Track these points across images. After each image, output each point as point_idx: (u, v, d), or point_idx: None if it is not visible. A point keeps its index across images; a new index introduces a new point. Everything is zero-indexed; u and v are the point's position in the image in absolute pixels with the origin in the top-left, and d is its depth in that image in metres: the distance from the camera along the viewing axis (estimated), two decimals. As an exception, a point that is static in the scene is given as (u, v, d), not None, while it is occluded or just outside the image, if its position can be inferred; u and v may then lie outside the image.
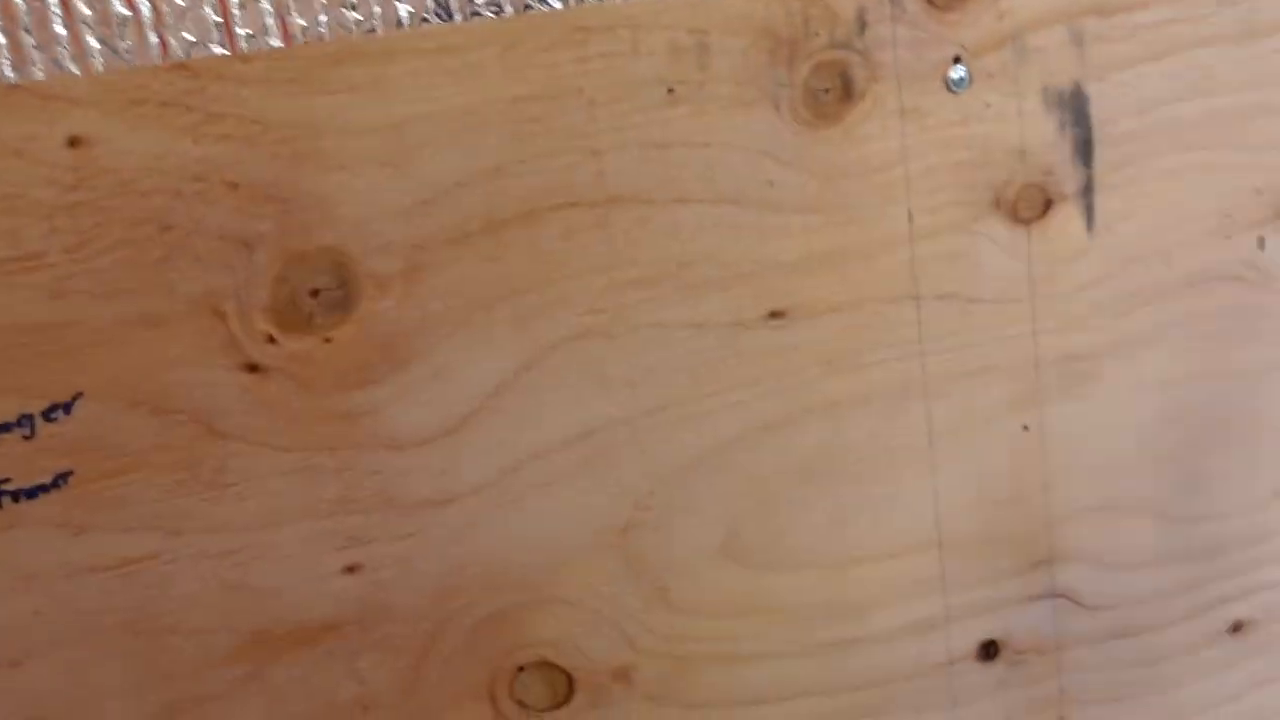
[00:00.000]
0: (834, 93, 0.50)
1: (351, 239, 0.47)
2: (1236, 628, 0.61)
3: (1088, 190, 0.53)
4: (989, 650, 0.58)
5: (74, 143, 0.43)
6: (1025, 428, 0.56)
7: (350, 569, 0.50)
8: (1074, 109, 0.52)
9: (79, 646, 0.47)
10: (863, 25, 0.50)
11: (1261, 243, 0.56)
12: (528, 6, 0.47)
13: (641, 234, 0.49)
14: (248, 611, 0.49)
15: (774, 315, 0.51)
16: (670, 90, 0.48)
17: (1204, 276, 0.56)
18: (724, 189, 0.50)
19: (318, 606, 0.50)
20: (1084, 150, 0.53)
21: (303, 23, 0.45)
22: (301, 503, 0.48)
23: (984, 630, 0.58)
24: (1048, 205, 0.53)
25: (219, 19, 0.44)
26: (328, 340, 0.47)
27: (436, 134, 0.46)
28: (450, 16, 0.46)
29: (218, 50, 0.45)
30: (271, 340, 0.47)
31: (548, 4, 0.47)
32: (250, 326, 0.46)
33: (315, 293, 0.47)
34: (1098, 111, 0.52)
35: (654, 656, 0.54)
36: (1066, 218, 0.53)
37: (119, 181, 0.44)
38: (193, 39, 0.44)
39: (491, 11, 0.46)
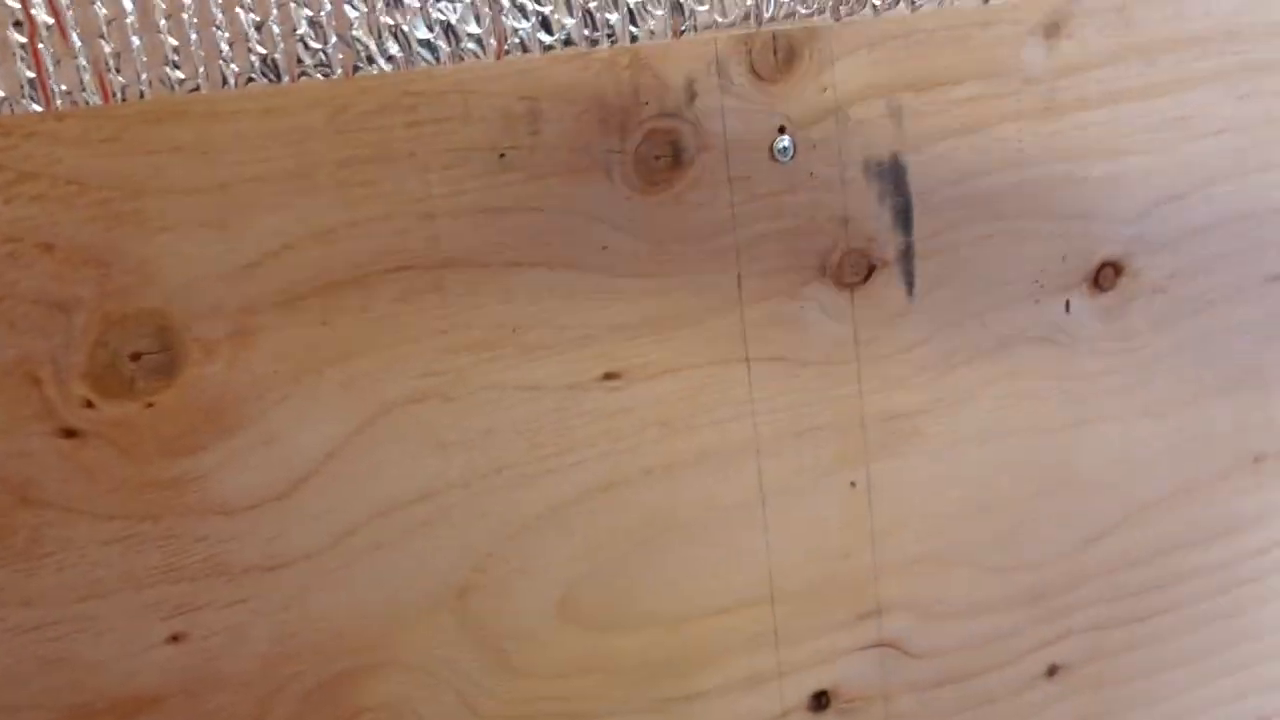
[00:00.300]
0: (665, 160, 0.48)
1: (176, 302, 0.42)
2: (1052, 671, 0.60)
3: (907, 256, 0.52)
4: (820, 700, 0.55)
5: (-126, 203, 0.39)
6: (852, 484, 0.54)
7: (175, 638, 0.45)
8: (893, 179, 0.51)
9: (-123, 729, 0.42)
10: (692, 95, 0.48)
11: (1068, 306, 0.55)
12: (357, 69, 0.43)
13: (477, 297, 0.46)
14: (67, 686, 0.44)
15: (609, 377, 0.49)
16: (502, 155, 0.46)
17: (1016, 338, 0.55)
18: (558, 253, 0.47)
19: (142, 678, 0.45)
20: (903, 218, 0.51)
21: (123, 80, 0.41)
22: (123, 571, 0.44)
23: (815, 681, 0.55)
24: (870, 270, 0.52)
25: (32, 74, 0.40)
26: (150, 405, 0.43)
27: (264, 195, 0.43)
28: (278, 77, 0.43)
29: (31, 107, 0.40)
30: (90, 405, 0.42)
31: (378, 67, 0.44)
32: (67, 392, 0.42)
33: (136, 356, 0.42)
34: (915, 181, 0.51)
35: (495, 719, 0.50)
36: (888, 282, 0.52)
37: (-77, 243, 0.39)
38: (2, 94, 0.40)
39: (321, 73, 0.43)
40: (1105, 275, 0.55)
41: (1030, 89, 0.52)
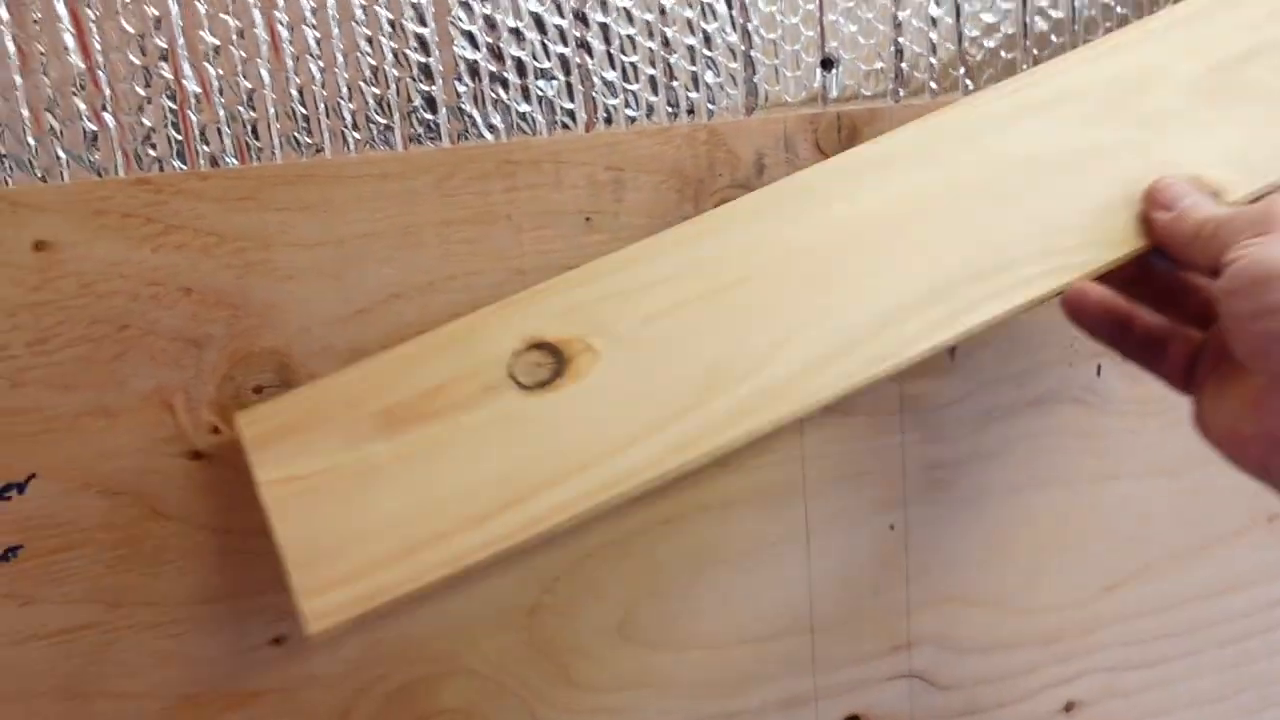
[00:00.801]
0: (734, 227, 0.51)
1: (295, 342, 0.46)
2: (1068, 707, 0.63)
3: (951, 322, 0.55)
4: (852, 724, 0.59)
5: (40, 247, 0.43)
6: (891, 527, 0.57)
7: (277, 641, 0.49)
8: (942, 252, 0.54)
9: (15, 706, 0.46)
10: (761, 168, 0.51)
11: (1099, 370, 0.58)
12: (462, 137, 0.47)
13: (558, 345, 0.50)
14: (178, 679, 0.48)
15: (673, 421, 0.52)
16: (588, 219, 0.49)
17: (1049, 399, 0.58)
18: (634, 308, 0.50)
19: (245, 674, 0.49)
20: (949, 287, 0.54)
21: (259, 144, 0.45)
22: (236, 580, 0.48)
23: (848, 706, 0.58)
24: (917, 333, 0.55)
25: (180, 138, 0.44)
26: (267, 433, 0.47)
27: (376, 250, 0.47)
28: (393, 145, 0.46)
29: (179, 166, 0.44)
30: (216, 431, 0.46)
31: (482, 137, 0.48)
32: (197, 418, 0.46)
33: (259, 389, 0.46)
34: (962, 255, 0.54)
35: (553, 725, 0.54)
36: (933, 344, 0.55)
37: (80, 284, 0.44)
38: (155, 155, 0.44)
39: (430, 141, 0.47)
40: (1134, 346, 0.58)
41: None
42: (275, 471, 0.43)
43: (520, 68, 0.48)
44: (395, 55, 0.46)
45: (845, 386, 0.45)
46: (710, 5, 0.50)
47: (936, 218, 0.47)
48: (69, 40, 0.43)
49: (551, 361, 0.45)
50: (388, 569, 0.43)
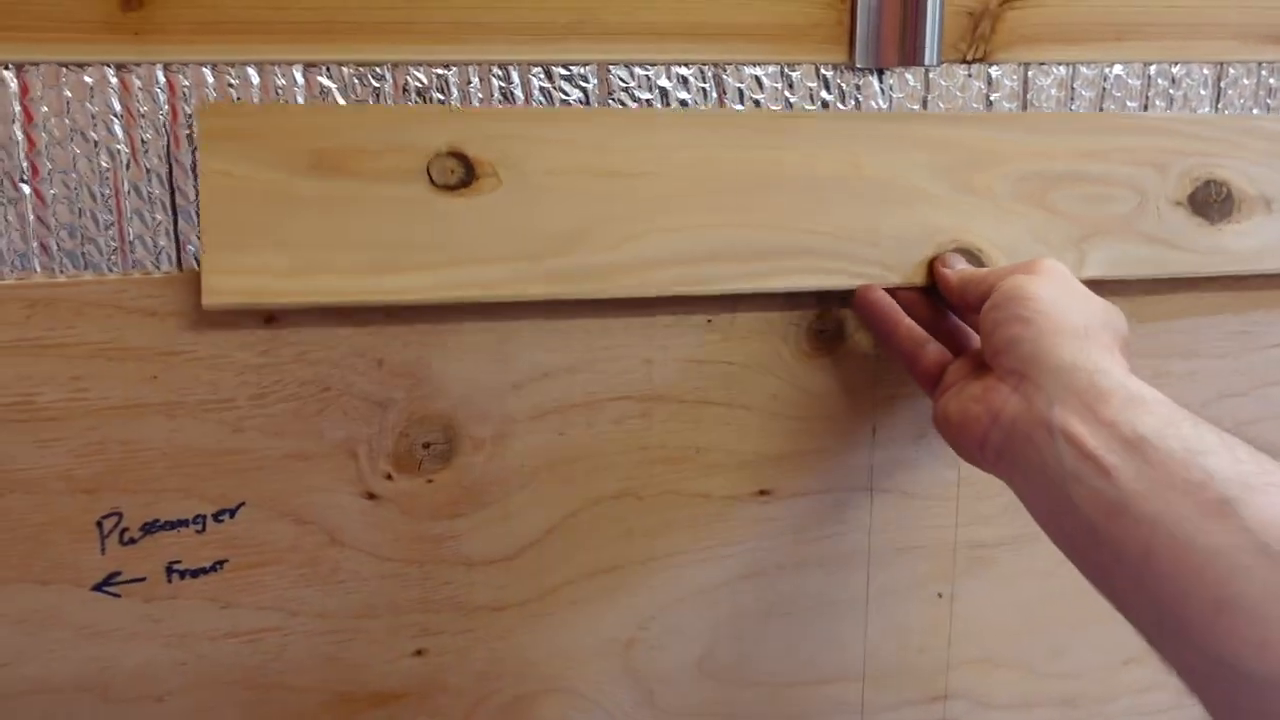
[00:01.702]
0: (829, 334, 0.64)
1: (460, 409, 0.59)
2: (1080, 764, 0.76)
3: (1008, 426, 0.67)
4: (891, 762, 0.72)
5: (269, 321, 0.56)
6: (939, 595, 0.69)
7: (419, 653, 0.62)
8: (1005, 368, 0.66)
9: (209, 692, 0.59)
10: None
11: (1133, 472, 0.70)
12: (616, 257, 0.60)
13: (673, 425, 0.63)
14: (338, 678, 0.61)
15: (762, 493, 0.65)
16: (709, 320, 0.62)
17: (1087, 495, 0.70)
18: (738, 396, 0.63)
19: (391, 679, 0.62)
20: (1009, 396, 0.67)
21: (447, 247, 0.58)
22: (390, 599, 0.61)
23: (889, 746, 0.71)
24: (977, 431, 0.67)
25: (386, 239, 0.57)
26: (430, 481, 0.60)
27: (531, 341, 0.59)
28: (557, 255, 0.59)
29: (382, 262, 0.57)
30: (389, 477, 0.59)
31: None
32: (375, 466, 0.59)
33: (427, 445, 0.59)
34: (1022, 371, 0.66)
35: (636, 741, 0.67)
36: (989, 442, 0.68)
37: (298, 352, 0.57)
38: (366, 253, 0.57)
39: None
40: (1165, 458, 0.70)
41: (1122, 311, 0.67)
42: (217, 164, 0.53)
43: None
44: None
45: (665, 293, 0.59)
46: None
47: (792, 192, 0.61)
48: (306, 155, 0.56)
49: (463, 172, 0.57)
50: (279, 280, 0.54)
